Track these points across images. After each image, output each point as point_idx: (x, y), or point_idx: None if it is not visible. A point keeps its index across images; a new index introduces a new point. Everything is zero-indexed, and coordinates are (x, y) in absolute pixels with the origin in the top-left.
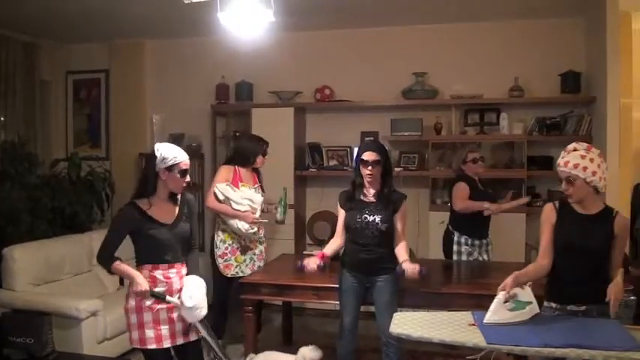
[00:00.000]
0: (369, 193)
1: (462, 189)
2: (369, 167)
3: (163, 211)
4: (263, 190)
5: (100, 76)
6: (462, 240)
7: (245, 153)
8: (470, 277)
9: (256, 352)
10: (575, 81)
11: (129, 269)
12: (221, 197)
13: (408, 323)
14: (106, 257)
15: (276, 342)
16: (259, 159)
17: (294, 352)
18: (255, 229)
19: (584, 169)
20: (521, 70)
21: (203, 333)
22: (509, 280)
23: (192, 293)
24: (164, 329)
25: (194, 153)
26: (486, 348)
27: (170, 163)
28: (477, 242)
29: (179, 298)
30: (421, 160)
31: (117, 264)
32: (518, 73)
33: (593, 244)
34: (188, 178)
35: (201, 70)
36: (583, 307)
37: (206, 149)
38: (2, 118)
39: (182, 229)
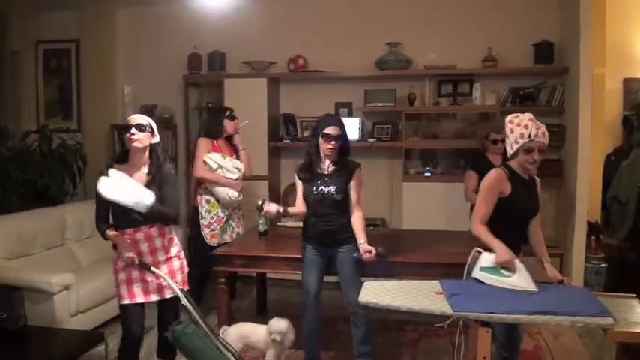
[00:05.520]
0: (325, 165)
1: (469, 178)
2: (332, 142)
3: (134, 178)
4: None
5: (70, 46)
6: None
7: (211, 125)
8: (438, 246)
9: (230, 323)
10: (548, 51)
11: (118, 237)
12: (214, 166)
13: (376, 292)
14: (101, 224)
15: (250, 313)
16: (227, 124)
17: (267, 322)
18: (241, 196)
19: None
20: (494, 40)
21: (183, 301)
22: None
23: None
24: (137, 287)
25: (167, 124)
26: (453, 315)
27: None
28: None
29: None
30: (395, 131)
31: (109, 230)
32: (492, 43)
33: (536, 206)
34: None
35: (173, 40)
36: None
37: (179, 120)
38: None
39: None
